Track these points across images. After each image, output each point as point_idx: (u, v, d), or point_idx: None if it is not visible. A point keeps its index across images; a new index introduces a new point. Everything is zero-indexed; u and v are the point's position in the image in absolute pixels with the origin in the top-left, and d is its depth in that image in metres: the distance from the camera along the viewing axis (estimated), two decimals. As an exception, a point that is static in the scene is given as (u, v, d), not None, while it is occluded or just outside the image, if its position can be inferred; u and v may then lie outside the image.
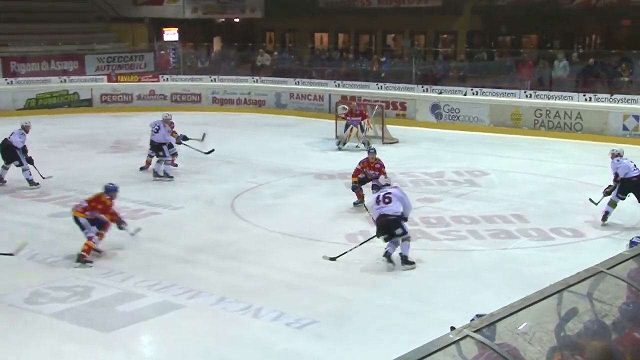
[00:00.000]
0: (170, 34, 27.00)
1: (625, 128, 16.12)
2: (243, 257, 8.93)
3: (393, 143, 16.48)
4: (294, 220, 10.39)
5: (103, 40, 25.78)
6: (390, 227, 8.43)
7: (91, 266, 8.59)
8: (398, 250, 8.54)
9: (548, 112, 17.22)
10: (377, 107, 17.54)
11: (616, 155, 10.04)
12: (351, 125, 15.74)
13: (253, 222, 10.29)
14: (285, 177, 13.01)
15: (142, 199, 11.54)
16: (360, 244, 8.86)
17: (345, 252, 8.67)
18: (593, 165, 13.29)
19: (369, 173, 10.91)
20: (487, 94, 18.38)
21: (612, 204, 9.96)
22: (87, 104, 22.31)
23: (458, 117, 18.43)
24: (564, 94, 17.47)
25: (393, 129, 17.00)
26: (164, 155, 12.95)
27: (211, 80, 22.72)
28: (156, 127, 13.25)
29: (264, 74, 23.03)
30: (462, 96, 18.53)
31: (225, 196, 11.75)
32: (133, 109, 21.74)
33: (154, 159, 13.19)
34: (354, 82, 20.86)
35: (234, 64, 24.89)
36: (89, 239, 8.69)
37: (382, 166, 10.83)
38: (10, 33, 23.88)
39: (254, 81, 22.55)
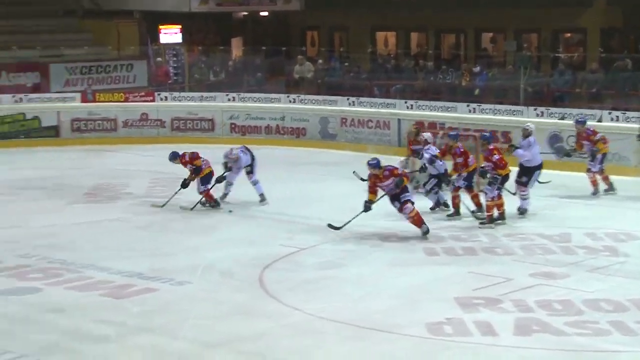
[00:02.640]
0: (171, 34, 27.65)
1: None
2: (275, 354, 8.92)
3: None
4: (350, 302, 10.37)
5: (75, 43, 26.58)
6: None
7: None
8: None
9: None
10: (469, 138, 17.56)
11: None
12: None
13: (289, 303, 10.30)
14: (337, 239, 13.04)
15: (132, 269, 11.69)
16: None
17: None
18: None
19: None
20: (634, 119, 18.27)
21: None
22: (53, 133, 22.94)
23: (590, 154, 18.30)
24: None
25: (493, 171, 16.98)
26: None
27: (228, 100, 23.15)
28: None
29: (305, 91, 23.34)
30: (595, 123, 18.41)
31: (250, 266, 11.83)
32: (117, 141, 22.21)
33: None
34: (435, 103, 20.99)
35: (261, 75, 25.30)
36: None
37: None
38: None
39: (290, 101, 22.89)
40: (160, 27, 27.59)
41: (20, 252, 12.57)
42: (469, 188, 14.54)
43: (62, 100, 23.34)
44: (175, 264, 11.99)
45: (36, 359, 8.71)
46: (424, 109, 20.85)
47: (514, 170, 14.57)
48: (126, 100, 23.29)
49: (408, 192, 13.02)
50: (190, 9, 27.27)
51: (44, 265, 11.93)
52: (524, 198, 14.61)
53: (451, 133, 15.70)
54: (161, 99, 23.41)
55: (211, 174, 15.28)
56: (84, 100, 23.31)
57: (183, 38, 27.67)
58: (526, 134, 15.04)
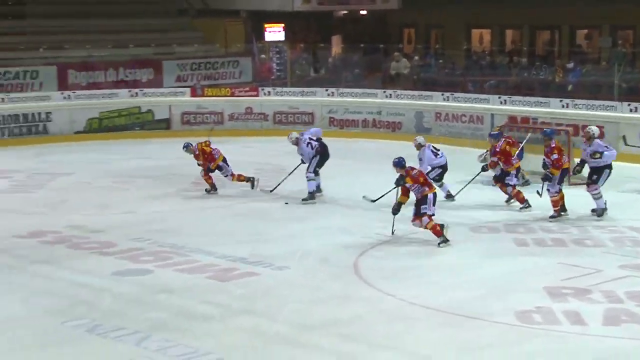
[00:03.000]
0: (274, 32, 28.00)
1: None
2: (369, 338, 9.02)
3: (584, 184, 16.15)
4: (441, 290, 10.42)
5: (186, 40, 27.20)
6: None
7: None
8: None
9: None
10: (561, 133, 17.33)
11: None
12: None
13: (384, 290, 10.38)
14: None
15: (235, 254, 11.95)
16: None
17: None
18: None
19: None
20: None
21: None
22: (165, 125, 23.55)
23: (683, 149, 17.89)
24: None
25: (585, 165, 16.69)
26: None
27: (328, 95, 23.34)
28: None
29: (401, 86, 23.33)
30: (688, 119, 18.00)
31: (346, 253, 11.96)
32: (224, 133, 22.62)
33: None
34: (528, 98, 20.74)
35: (359, 72, 25.40)
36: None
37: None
38: (67, 32, 25.57)
39: (387, 96, 22.93)
40: (265, 25, 27.98)
41: (133, 236, 12.97)
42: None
43: (174, 94, 23.92)
44: (275, 250, 12.19)
45: (147, 335, 8.98)
46: (516, 104, 20.64)
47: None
48: (232, 95, 23.75)
49: (425, 204, 12.09)
50: (293, 9, 27.56)
51: (155, 249, 12.29)
52: (596, 197, 13.73)
53: (492, 133, 15.62)
54: (265, 94, 23.76)
55: (225, 160, 15.97)
56: (193, 94, 23.84)
57: (286, 36, 27.97)
58: (588, 136, 13.90)
